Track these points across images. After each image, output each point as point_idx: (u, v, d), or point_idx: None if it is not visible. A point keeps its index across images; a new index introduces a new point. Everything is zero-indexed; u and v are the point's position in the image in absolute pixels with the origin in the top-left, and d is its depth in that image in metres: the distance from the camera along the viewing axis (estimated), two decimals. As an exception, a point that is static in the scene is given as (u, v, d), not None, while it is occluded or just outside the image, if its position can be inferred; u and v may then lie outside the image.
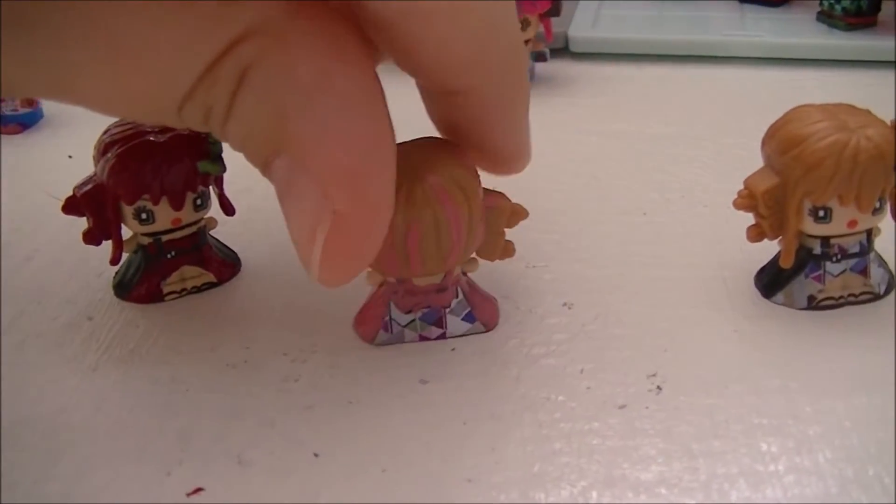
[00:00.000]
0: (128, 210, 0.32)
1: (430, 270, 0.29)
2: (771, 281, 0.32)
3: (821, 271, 0.31)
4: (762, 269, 0.33)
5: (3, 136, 0.48)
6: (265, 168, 0.23)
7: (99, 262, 0.34)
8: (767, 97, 0.50)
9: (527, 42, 0.50)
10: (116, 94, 0.22)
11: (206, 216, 0.34)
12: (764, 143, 0.31)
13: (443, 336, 0.31)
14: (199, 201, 0.33)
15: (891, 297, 0.32)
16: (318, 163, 0.22)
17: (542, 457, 0.26)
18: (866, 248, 0.31)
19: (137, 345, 0.31)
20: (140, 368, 0.30)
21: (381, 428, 0.27)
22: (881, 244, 0.32)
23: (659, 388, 0.28)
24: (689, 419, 0.27)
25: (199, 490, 0.25)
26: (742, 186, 0.31)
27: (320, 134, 0.22)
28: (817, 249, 0.31)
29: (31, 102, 0.49)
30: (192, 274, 0.34)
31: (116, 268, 0.34)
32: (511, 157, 0.29)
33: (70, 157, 0.45)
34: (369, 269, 0.30)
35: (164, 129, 0.32)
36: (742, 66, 0.54)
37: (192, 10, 0.21)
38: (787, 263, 0.31)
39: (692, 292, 0.33)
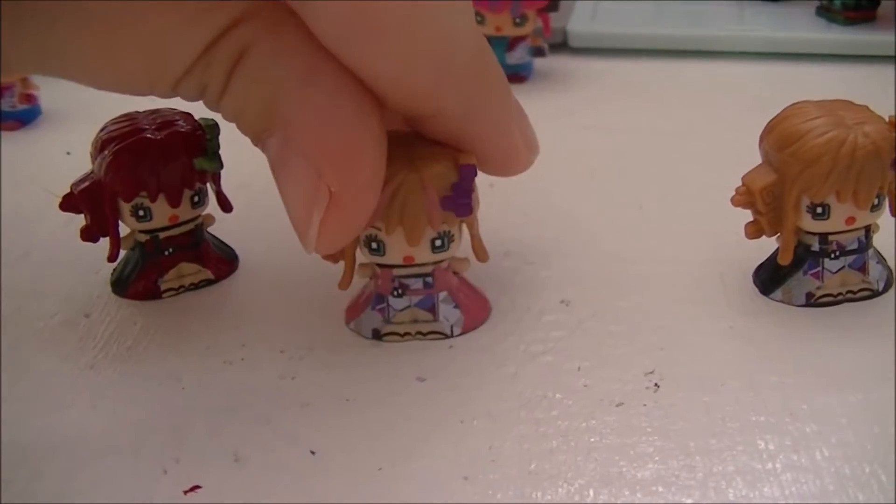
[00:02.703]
0: (125, 207, 0.32)
1: None
2: (769, 278, 0.32)
3: (819, 268, 0.31)
4: (760, 266, 0.33)
5: (1, 133, 0.48)
6: (257, 140, 0.25)
7: (96, 259, 0.34)
8: (766, 92, 0.50)
9: (525, 37, 0.50)
10: (110, 72, 0.23)
11: (203, 213, 0.34)
12: (761, 139, 0.31)
13: None
14: (196, 198, 0.33)
15: (889, 294, 0.32)
16: (312, 145, 0.24)
17: (539, 455, 0.26)
18: (865, 244, 0.31)
19: (134, 342, 0.31)
20: (136, 366, 0.30)
21: (378, 426, 0.27)
22: (880, 241, 0.32)
23: (656, 385, 0.28)
24: (687, 417, 0.27)
25: (195, 488, 0.25)
26: (740, 183, 0.31)
27: (314, 119, 0.24)
28: (815, 246, 0.31)
29: (29, 99, 0.49)
30: (189, 271, 0.34)
31: (114, 265, 0.34)
32: (504, 160, 0.30)
33: (68, 153, 0.45)
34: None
35: (161, 126, 0.32)
36: (741, 60, 0.54)
37: None
38: (785, 260, 0.31)
39: (690, 289, 0.33)
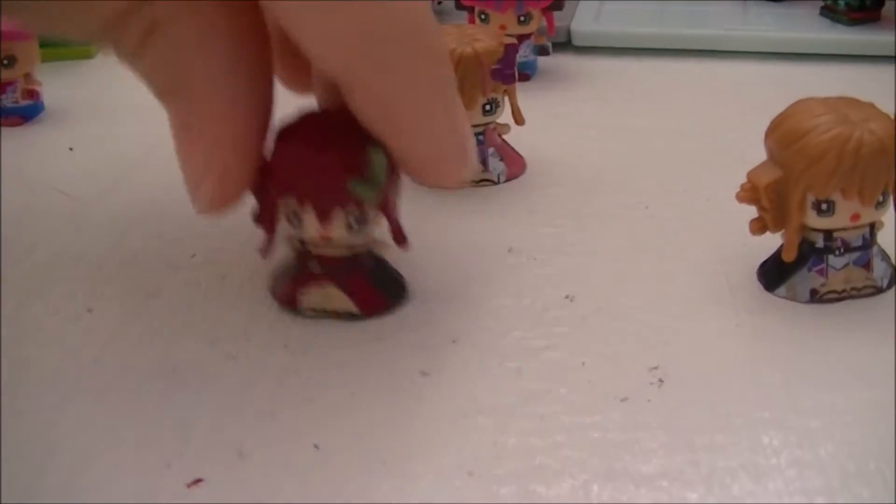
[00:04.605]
0: (282, 206, 0.29)
1: None
2: (773, 274, 0.32)
3: (823, 265, 0.31)
4: (764, 263, 0.33)
5: (3, 129, 0.48)
6: (159, 99, 0.28)
7: (99, 255, 0.34)
8: (770, 92, 0.49)
9: (529, 36, 0.50)
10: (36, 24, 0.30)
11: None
12: (766, 136, 0.31)
13: None
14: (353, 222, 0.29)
15: (893, 290, 0.32)
16: (215, 130, 0.27)
17: (544, 450, 0.26)
18: (869, 241, 0.31)
19: (138, 337, 0.31)
20: (140, 360, 0.30)
21: (382, 420, 0.27)
22: (884, 238, 0.32)
23: (660, 381, 0.28)
24: (691, 412, 0.27)
25: (198, 481, 0.25)
26: (745, 180, 0.31)
27: (219, 103, 0.27)
28: (820, 243, 0.31)
29: (31, 95, 0.49)
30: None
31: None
32: (425, 163, 0.29)
33: (71, 149, 0.45)
34: None
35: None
36: (745, 60, 0.54)
37: None
38: (789, 257, 0.31)
39: (694, 286, 0.33)
